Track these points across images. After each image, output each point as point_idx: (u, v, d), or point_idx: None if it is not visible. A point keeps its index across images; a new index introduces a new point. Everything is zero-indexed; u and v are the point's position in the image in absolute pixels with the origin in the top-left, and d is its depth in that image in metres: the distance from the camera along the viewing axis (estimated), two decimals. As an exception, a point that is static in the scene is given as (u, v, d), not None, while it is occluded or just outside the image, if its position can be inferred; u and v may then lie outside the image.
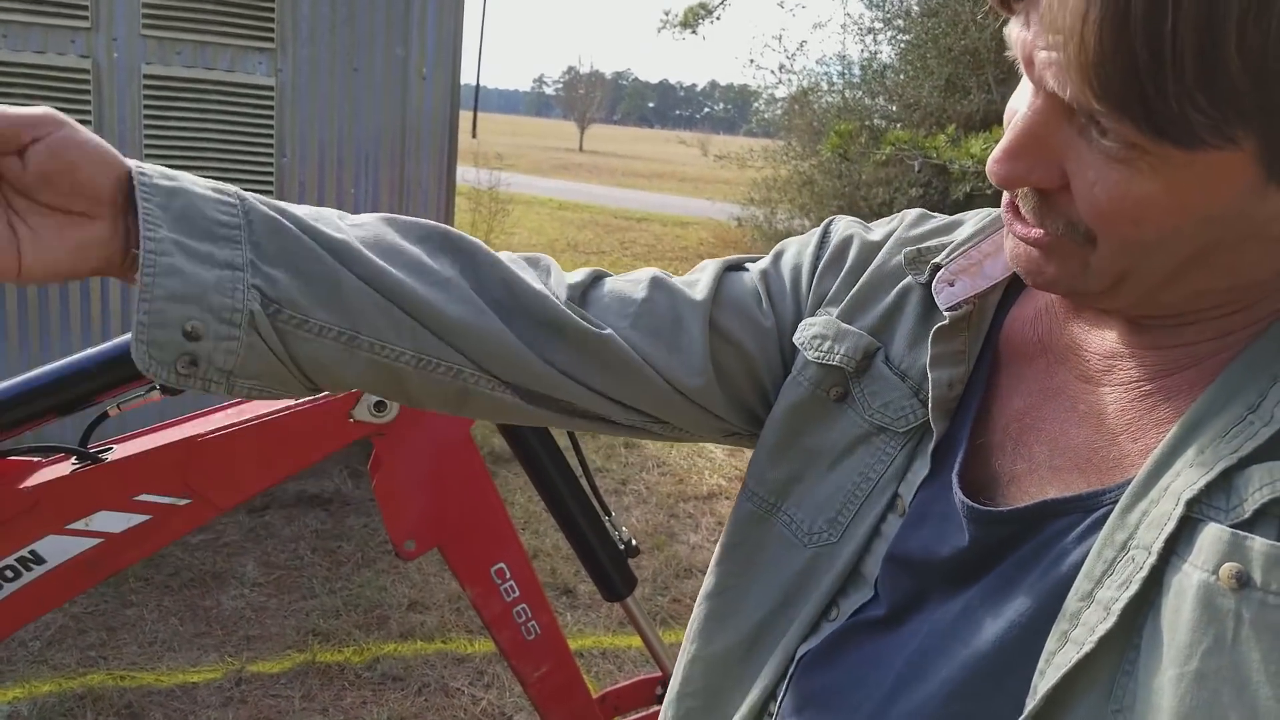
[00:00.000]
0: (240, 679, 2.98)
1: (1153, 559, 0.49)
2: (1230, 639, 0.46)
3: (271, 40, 3.84)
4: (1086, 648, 0.50)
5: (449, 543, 1.69)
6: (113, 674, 2.95)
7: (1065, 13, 0.46)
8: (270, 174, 3.96)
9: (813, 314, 0.76)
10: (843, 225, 0.80)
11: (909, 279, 0.72)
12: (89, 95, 3.66)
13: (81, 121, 3.47)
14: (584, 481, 1.84)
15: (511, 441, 1.74)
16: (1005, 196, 0.59)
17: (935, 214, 0.77)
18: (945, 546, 0.61)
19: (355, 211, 3.12)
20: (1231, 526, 0.48)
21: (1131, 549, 0.51)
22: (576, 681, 1.88)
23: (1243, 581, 0.46)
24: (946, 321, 0.66)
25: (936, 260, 0.70)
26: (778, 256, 0.81)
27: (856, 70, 12.23)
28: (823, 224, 0.81)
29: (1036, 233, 0.56)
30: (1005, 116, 0.56)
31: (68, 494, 1.42)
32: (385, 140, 4.12)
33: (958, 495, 0.61)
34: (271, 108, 3.90)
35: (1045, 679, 0.51)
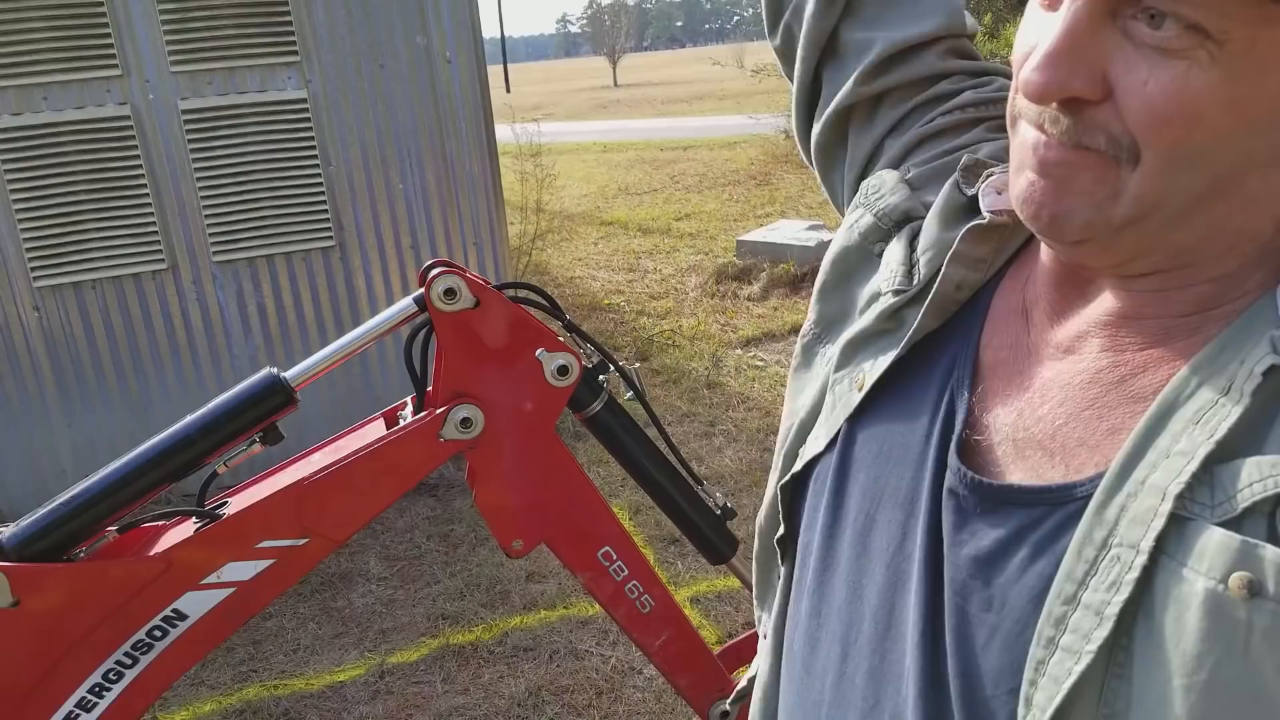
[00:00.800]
0: (383, 671, 3.14)
1: (1143, 559, 0.48)
2: (1242, 649, 0.45)
3: (295, 53, 3.88)
4: (1086, 658, 0.49)
5: (553, 536, 1.74)
6: (265, 685, 3.15)
7: None
8: (320, 183, 4.03)
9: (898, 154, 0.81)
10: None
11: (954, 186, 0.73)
12: (134, 140, 3.76)
13: (132, 165, 3.60)
14: (672, 457, 1.87)
15: (596, 432, 1.78)
16: (1027, 131, 0.57)
17: None
18: (910, 482, 0.63)
19: (407, 203, 3.21)
20: (1219, 524, 0.47)
21: (1114, 547, 0.49)
22: (698, 644, 1.94)
23: (1254, 591, 0.45)
24: (985, 221, 0.66)
25: (992, 170, 0.70)
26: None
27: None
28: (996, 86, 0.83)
29: (1065, 153, 0.54)
30: (1015, 56, 0.56)
31: (195, 552, 1.51)
32: (423, 130, 4.15)
33: (952, 450, 0.61)
34: (309, 118, 3.96)
35: (1042, 690, 0.50)
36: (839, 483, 0.69)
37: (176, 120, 3.81)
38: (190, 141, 3.84)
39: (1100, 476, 0.52)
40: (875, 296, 0.73)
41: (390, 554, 3.84)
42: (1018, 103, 0.57)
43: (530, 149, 8.59)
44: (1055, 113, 0.53)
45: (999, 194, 0.67)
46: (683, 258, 8.36)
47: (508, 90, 35.29)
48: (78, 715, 1.47)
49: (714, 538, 1.92)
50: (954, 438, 0.62)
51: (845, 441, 0.70)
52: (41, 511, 1.45)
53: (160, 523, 1.58)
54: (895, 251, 0.72)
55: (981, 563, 0.56)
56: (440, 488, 4.28)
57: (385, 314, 1.59)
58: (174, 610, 1.51)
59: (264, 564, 1.55)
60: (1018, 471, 0.57)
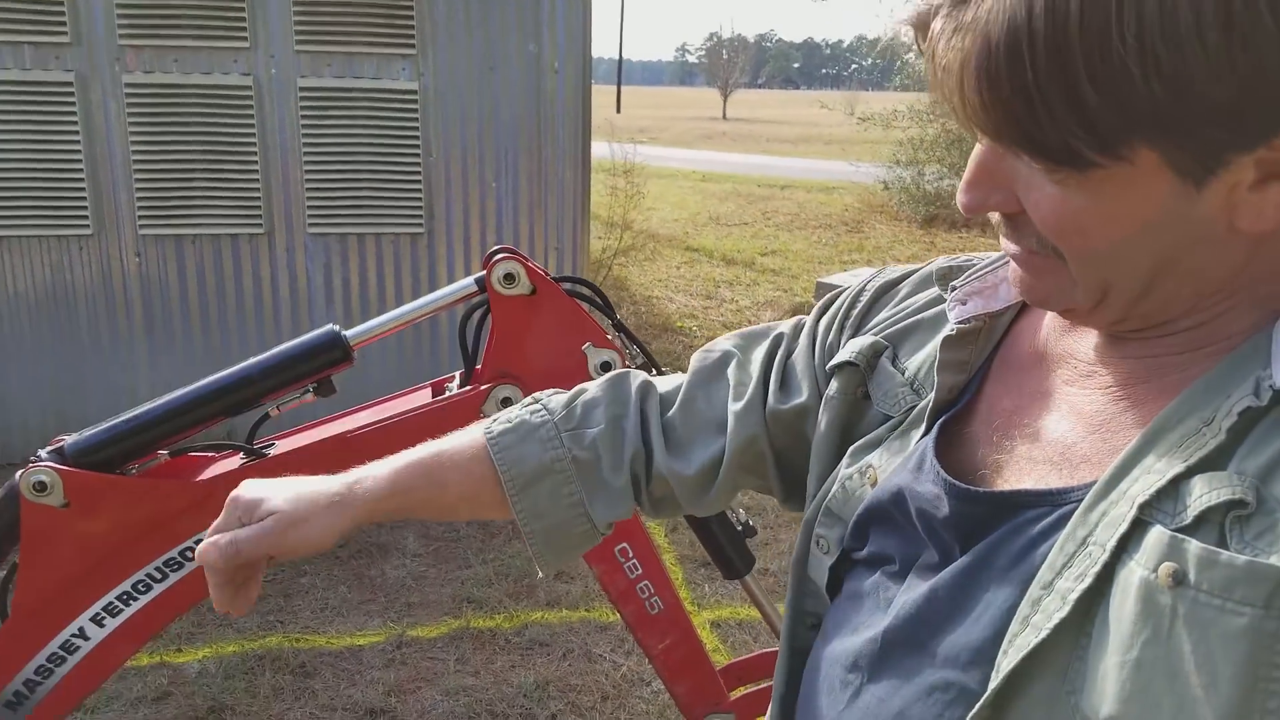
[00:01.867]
0: (401, 642, 3.23)
1: (1105, 556, 0.54)
2: (1166, 631, 0.51)
3: (413, 46, 4.06)
4: (1044, 633, 0.55)
5: (572, 526, 1.80)
6: (288, 636, 3.26)
7: (945, 76, 0.54)
8: (419, 172, 4.20)
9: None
10: (872, 289, 0.87)
11: (935, 298, 0.80)
12: (252, 110, 3.98)
13: (246, 133, 3.80)
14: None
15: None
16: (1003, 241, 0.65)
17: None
18: (925, 519, 0.68)
19: (498, 201, 3.37)
20: (1175, 530, 0.52)
21: (1090, 545, 0.56)
22: (700, 654, 1.97)
23: (1179, 580, 0.51)
24: (954, 332, 0.73)
25: (955, 281, 0.76)
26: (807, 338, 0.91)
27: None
28: (860, 284, 0.89)
29: (1020, 250, 0.62)
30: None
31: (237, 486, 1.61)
32: (523, 134, 4.29)
33: (939, 471, 0.68)
34: (416, 110, 4.13)
35: (1008, 659, 0.56)
36: (855, 558, 0.77)
37: (294, 96, 4.02)
38: (303, 118, 4.04)
39: (1094, 483, 0.58)
40: (881, 421, 0.78)
41: (429, 533, 3.95)
42: None
43: (623, 166, 8.74)
44: (999, 222, 0.63)
45: (964, 304, 0.74)
46: (762, 292, 8.38)
47: (618, 110, 35.81)
48: (103, 619, 1.58)
49: (731, 552, 1.96)
50: (932, 444, 0.70)
51: (856, 525, 0.76)
52: (103, 426, 1.56)
53: (210, 453, 1.69)
54: (886, 379, 0.79)
55: (988, 550, 0.63)
56: (487, 479, 4.37)
57: (447, 289, 1.68)
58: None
59: (298, 506, 1.65)
60: (1029, 480, 0.64)
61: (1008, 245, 0.64)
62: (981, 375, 0.73)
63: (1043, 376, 0.69)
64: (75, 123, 3.91)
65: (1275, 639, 0.48)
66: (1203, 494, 0.52)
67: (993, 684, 0.57)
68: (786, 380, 0.89)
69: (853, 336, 0.84)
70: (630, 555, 1.87)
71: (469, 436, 0.91)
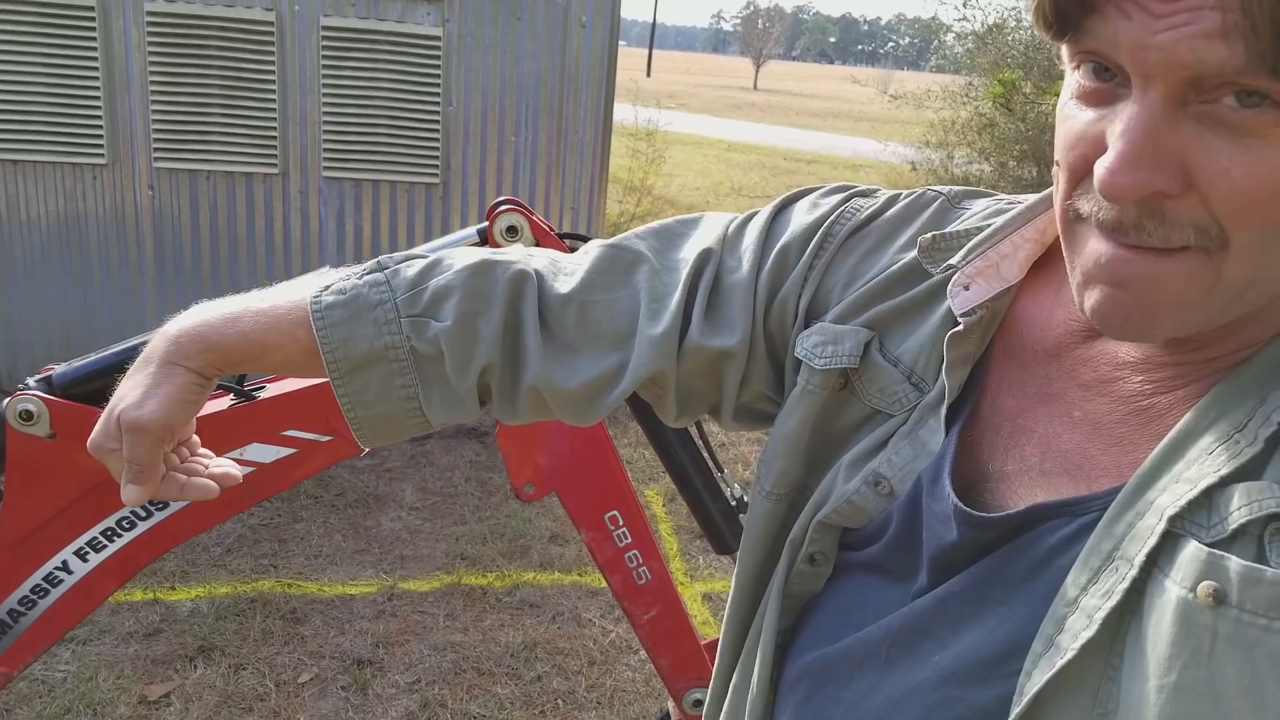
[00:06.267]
0: (392, 594, 3.23)
1: (1134, 571, 0.51)
2: (1207, 654, 0.48)
3: (438, -10, 3.98)
4: (1070, 654, 0.52)
5: (565, 489, 1.77)
6: (281, 581, 3.27)
7: None
8: (437, 121, 4.14)
9: (808, 316, 0.75)
10: (847, 227, 0.76)
11: (916, 266, 0.71)
12: (273, 45, 3.92)
13: (265, 70, 3.72)
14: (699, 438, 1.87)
15: (628, 400, 1.80)
16: (1102, 247, 0.54)
17: (970, 200, 0.74)
18: (934, 539, 0.63)
19: (516, 157, 3.27)
20: (1210, 544, 0.49)
21: (1116, 560, 0.52)
22: (686, 628, 1.94)
23: (1219, 599, 0.48)
24: (961, 328, 0.65)
25: (952, 261, 0.68)
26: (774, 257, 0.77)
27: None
28: (824, 222, 0.76)
29: (1156, 263, 0.52)
30: (1064, 145, 0.54)
31: (226, 426, 1.58)
32: (545, 87, 4.22)
33: (950, 496, 0.62)
34: (439, 57, 4.06)
35: (1032, 680, 0.53)
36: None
37: (316, 35, 3.96)
38: (324, 57, 3.98)
39: (1115, 490, 0.54)
40: (867, 416, 0.71)
41: (427, 487, 3.94)
42: (1081, 205, 0.55)
43: (644, 131, 8.64)
44: (1137, 216, 0.51)
45: (966, 290, 0.66)
46: (779, 267, 8.31)
47: (648, 74, 35.45)
48: (87, 554, 1.56)
49: (722, 526, 1.92)
50: (948, 464, 0.63)
51: (863, 534, 0.70)
52: (93, 357, 1.53)
53: (200, 393, 1.66)
54: (880, 375, 0.70)
55: (1000, 561, 0.59)
56: (489, 435, 4.36)
57: (446, 238, 1.64)
58: (195, 476, 1.59)
59: (285, 451, 1.62)
60: (1040, 492, 0.60)
61: (1129, 265, 0.52)
62: (980, 366, 0.67)
63: (1050, 376, 0.63)
64: (95, 49, 3.86)
65: None
66: (1241, 505, 0.49)
67: (1016, 708, 0.53)
68: (716, 312, 0.76)
69: (815, 290, 0.74)
70: (620, 523, 1.84)
71: (299, 295, 0.78)
